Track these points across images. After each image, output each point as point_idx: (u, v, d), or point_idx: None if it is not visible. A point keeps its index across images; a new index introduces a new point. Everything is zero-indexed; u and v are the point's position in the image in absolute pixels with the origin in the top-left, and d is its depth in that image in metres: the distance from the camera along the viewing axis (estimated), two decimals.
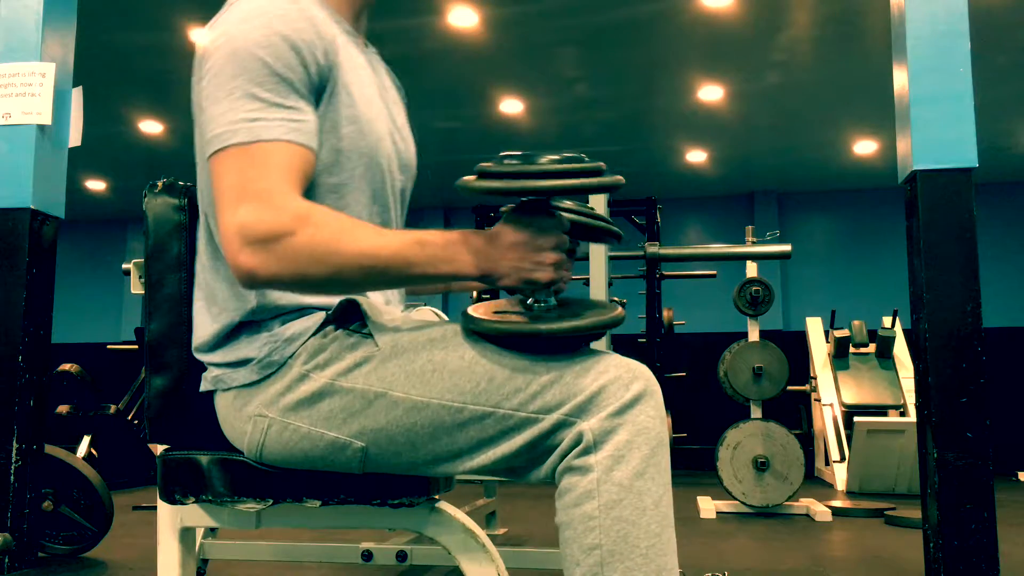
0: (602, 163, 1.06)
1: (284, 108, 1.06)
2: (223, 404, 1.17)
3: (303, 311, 1.15)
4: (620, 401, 1.01)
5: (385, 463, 1.11)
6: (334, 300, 1.16)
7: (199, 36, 5.13)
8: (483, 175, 1.06)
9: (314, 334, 1.12)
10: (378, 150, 1.20)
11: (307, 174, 1.08)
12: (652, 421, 1.02)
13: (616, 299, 4.87)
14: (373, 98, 1.22)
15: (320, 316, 1.14)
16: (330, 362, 1.10)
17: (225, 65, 1.06)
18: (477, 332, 1.09)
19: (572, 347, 1.07)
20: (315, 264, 1.01)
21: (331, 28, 1.16)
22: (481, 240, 1.06)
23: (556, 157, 1.04)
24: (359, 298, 1.14)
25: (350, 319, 1.14)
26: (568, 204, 1.20)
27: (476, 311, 1.11)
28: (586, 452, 1.01)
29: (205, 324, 1.18)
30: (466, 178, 1.08)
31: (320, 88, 1.12)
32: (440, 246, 1.05)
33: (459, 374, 1.06)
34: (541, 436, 1.04)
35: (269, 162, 1.04)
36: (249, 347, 1.14)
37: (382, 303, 1.22)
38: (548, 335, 1.04)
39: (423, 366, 1.07)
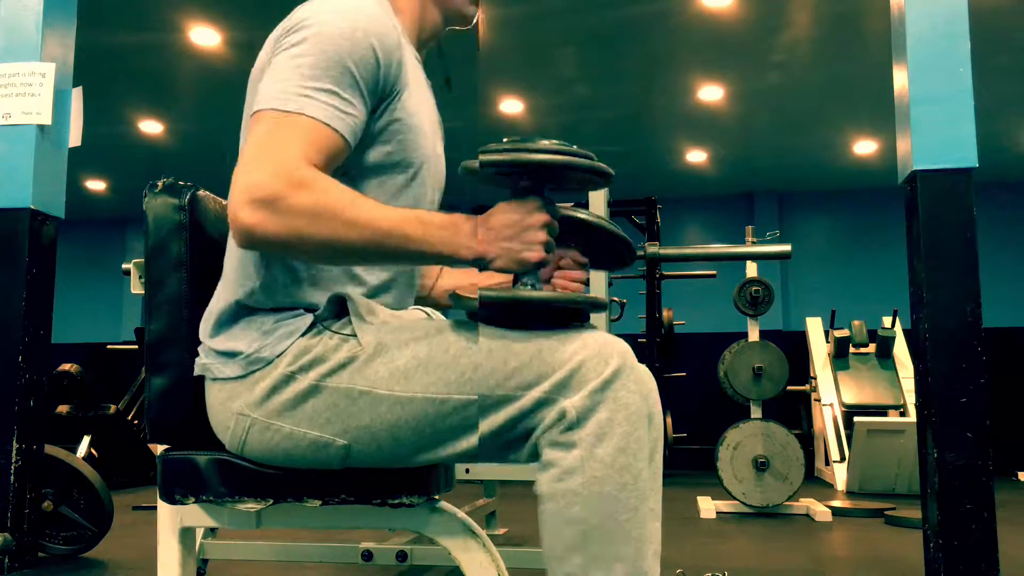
0: (592, 154, 1.09)
1: (339, 97, 1.10)
2: (211, 394, 1.19)
3: (296, 311, 1.17)
4: (600, 377, 1.04)
5: (367, 458, 1.12)
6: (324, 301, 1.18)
7: (199, 36, 5.13)
8: (482, 152, 1.10)
9: (303, 335, 1.14)
10: (424, 164, 1.25)
11: (333, 158, 1.11)
12: (632, 396, 1.05)
13: (616, 299, 4.87)
14: (426, 119, 1.27)
15: (310, 318, 1.16)
16: (315, 363, 1.12)
17: (305, 44, 1.11)
18: (467, 312, 1.12)
19: (551, 322, 1.09)
20: (313, 226, 1.03)
21: (406, 45, 1.23)
22: (475, 223, 1.09)
23: (551, 141, 1.09)
24: (350, 294, 1.16)
25: (337, 318, 1.16)
26: (583, 213, 1.23)
27: (464, 292, 1.12)
28: (570, 428, 1.03)
29: (213, 302, 1.22)
30: (468, 161, 1.11)
31: (385, 94, 1.17)
32: (438, 226, 1.08)
33: (444, 367, 1.08)
34: (521, 414, 1.06)
35: (300, 135, 1.07)
36: (241, 340, 1.16)
37: (376, 304, 1.22)
38: (523, 301, 1.07)
39: (407, 363, 1.09)
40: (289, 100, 1.07)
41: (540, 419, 1.05)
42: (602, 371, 1.04)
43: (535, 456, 1.08)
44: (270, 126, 1.07)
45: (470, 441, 1.09)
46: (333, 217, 1.03)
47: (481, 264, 1.09)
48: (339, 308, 1.16)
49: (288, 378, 1.12)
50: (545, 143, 1.08)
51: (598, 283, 3.13)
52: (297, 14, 1.16)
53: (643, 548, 1.04)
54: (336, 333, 1.14)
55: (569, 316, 1.11)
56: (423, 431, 1.09)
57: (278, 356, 1.13)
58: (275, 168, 1.03)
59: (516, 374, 1.06)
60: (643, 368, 1.13)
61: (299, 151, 1.05)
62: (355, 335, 1.12)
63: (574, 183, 1.13)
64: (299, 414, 1.11)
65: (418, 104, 1.23)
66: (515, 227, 1.08)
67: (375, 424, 1.09)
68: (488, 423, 1.07)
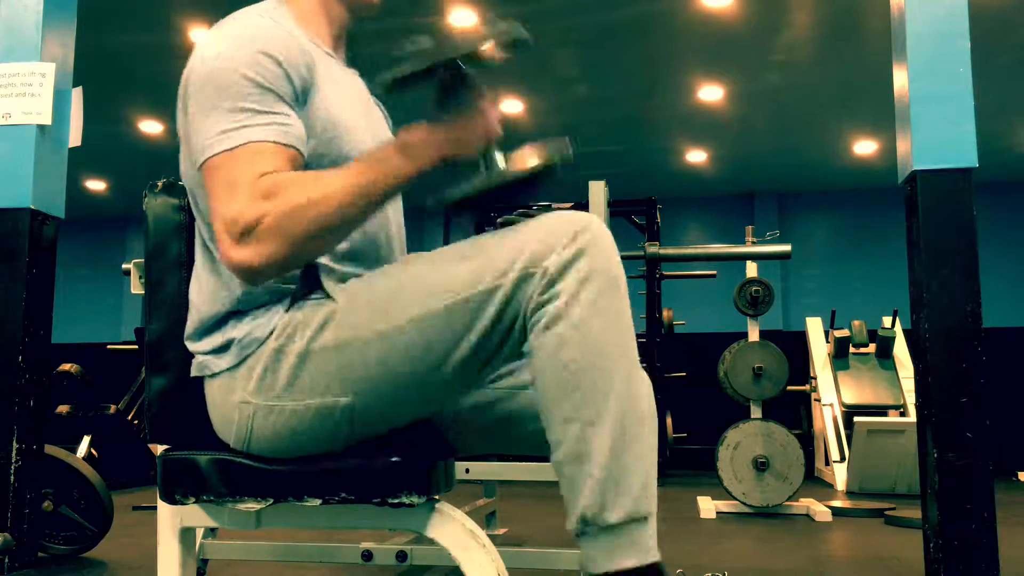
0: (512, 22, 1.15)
1: (271, 114, 1.13)
2: (211, 392, 1.20)
3: (280, 296, 1.18)
4: (572, 234, 1.08)
5: (373, 412, 1.14)
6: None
7: (199, 36, 5.13)
8: (395, 62, 1.14)
9: (285, 313, 1.17)
10: (355, 156, 1.25)
11: (292, 168, 1.13)
12: (606, 244, 1.09)
13: None
14: (352, 112, 1.28)
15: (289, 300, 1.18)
16: (298, 331, 1.14)
17: (216, 83, 1.14)
18: (452, 204, 1.16)
19: (538, 185, 1.16)
20: (297, 226, 1.06)
21: (311, 47, 1.24)
22: (429, 129, 1.13)
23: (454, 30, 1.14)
24: (316, 263, 1.17)
25: (312, 290, 1.18)
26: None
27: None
28: (551, 284, 1.07)
29: (193, 314, 1.23)
30: (383, 76, 1.14)
31: (303, 99, 1.19)
32: (394, 154, 1.11)
33: (416, 289, 1.11)
34: (506, 300, 1.08)
35: (254, 159, 1.09)
36: (232, 332, 1.18)
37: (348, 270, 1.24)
38: (520, 177, 1.14)
39: (380, 298, 1.12)
40: (227, 138, 1.10)
41: (524, 295, 1.08)
42: (572, 230, 1.08)
43: (525, 332, 1.10)
44: (224, 167, 1.10)
45: (463, 348, 1.10)
46: (308, 206, 1.06)
47: (451, 160, 1.13)
48: (312, 280, 1.18)
49: (278, 352, 1.14)
50: (452, 35, 1.15)
51: None
52: (196, 57, 1.19)
53: (633, 389, 1.07)
54: (312, 300, 1.16)
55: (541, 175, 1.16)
56: (415, 355, 1.10)
57: (268, 335, 1.15)
58: (244, 195, 1.06)
59: (490, 265, 1.09)
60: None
61: (259, 171, 1.08)
62: (329, 296, 1.15)
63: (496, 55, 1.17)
64: (297, 388, 1.13)
65: (334, 99, 1.24)
66: (465, 114, 1.13)
67: (370, 368, 1.11)
68: (480, 324, 1.09)
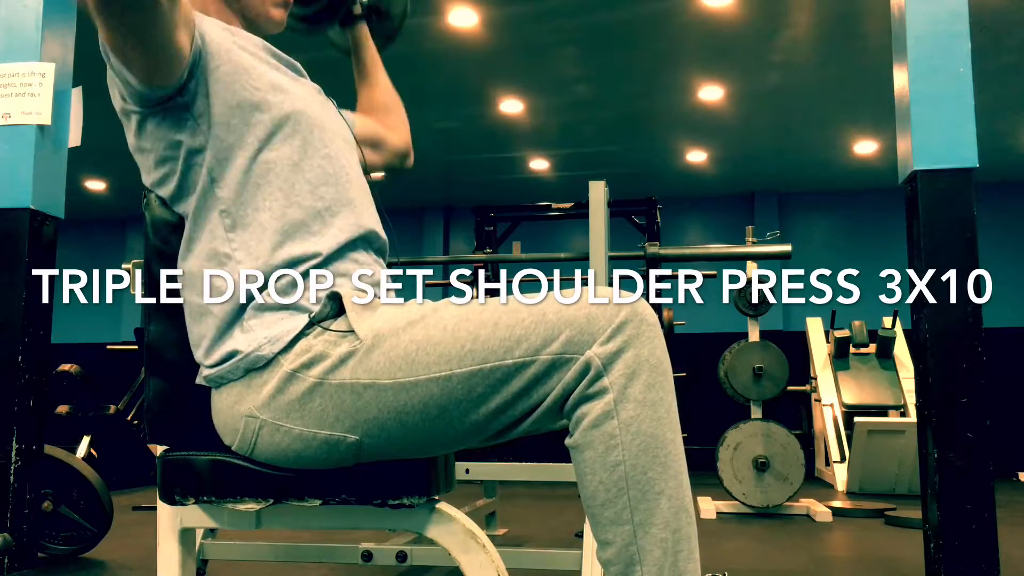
0: None
1: None
2: (217, 399, 1.19)
3: (289, 309, 1.16)
4: (617, 328, 1.04)
5: (379, 450, 1.12)
6: (315, 307, 1.16)
7: None
8: None
9: (301, 334, 1.13)
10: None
11: None
12: (652, 329, 1.06)
13: None
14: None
15: (306, 318, 1.15)
16: (316, 361, 1.11)
17: None
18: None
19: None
20: None
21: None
22: None
23: None
24: (342, 292, 1.15)
25: (333, 316, 1.15)
26: None
27: None
28: (598, 377, 1.03)
29: (199, 322, 1.20)
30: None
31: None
32: None
33: (443, 344, 1.08)
34: (535, 379, 1.06)
35: None
36: (237, 343, 1.15)
37: (377, 301, 1.22)
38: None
39: (406, 348, 1.09)
40: None
41: (559, 379, 1.05)
42: (614, 316, 1.04)
43: (552, 417, 1.08)
44: None
45: (480, 414, 1.08)
46: None
47: None
48: (337, 307, 1.15)
49: (291, 376, 1.11)
50: None
51: (599, 283, 3.12)
52: None
53: (683, 481, 1.05)
54: (335, 331, 1.13)
55: None
56: (430, 412, 1.08)
57: (279, 353, 1.12)
58: None
59: (523, 340, 1.05)
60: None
61: None
62: (352, 330, 1.12)
63: None
64: (307, 414, 1.11)
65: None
66: None
67: (383, 415, 1.09)
68: (501, 395, 1.07)
